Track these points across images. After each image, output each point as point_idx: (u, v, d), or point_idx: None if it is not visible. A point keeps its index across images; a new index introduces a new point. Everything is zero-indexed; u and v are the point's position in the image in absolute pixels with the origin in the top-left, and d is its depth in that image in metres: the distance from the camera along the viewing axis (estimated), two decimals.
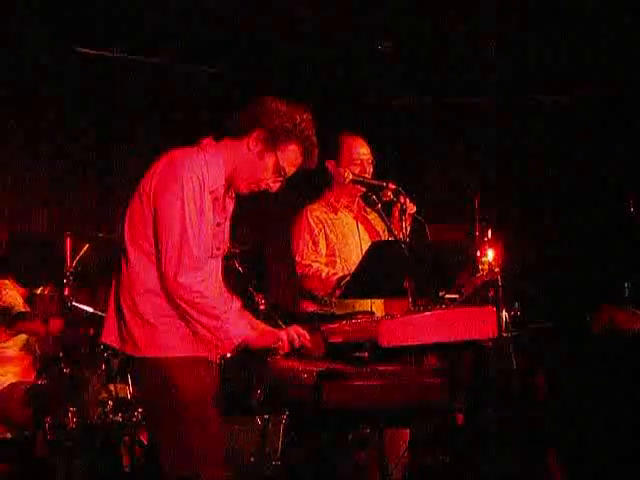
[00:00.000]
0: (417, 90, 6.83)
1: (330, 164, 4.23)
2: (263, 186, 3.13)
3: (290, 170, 3.11)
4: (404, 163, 6.64)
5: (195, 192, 2.94)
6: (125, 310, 2.99)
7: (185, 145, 3.13)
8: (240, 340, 2.97)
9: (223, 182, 3.08)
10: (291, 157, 3.09)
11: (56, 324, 4.59)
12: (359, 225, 4.35)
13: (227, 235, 3.17)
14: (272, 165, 3.08)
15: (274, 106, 3.07)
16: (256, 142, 3.06)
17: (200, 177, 2.96)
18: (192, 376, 2.96)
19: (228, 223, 3.17)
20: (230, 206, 3.18)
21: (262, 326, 3.26)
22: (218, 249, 3.10)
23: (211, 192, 3.00)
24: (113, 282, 3.09)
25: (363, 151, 4.24)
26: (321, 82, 6.37)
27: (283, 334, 3.08)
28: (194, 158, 3.00)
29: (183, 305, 2.92)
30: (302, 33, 5.85)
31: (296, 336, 3.09)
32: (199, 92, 6.36)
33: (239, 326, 3.00)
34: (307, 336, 3.13)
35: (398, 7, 5.52)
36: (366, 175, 4.17)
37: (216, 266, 3.14)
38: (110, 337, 3.06)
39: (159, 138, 6.13)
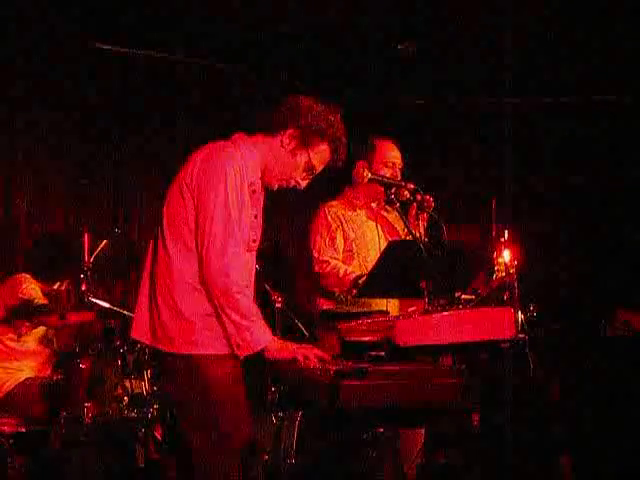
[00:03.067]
0: (431, 89, 6.81)
1: (360, 164, 4.24)
2: (293, 183, 3.18)
3: (319, 168, 3.17)
4: (418, 163, 6.63)
5: (237, 184, 2.97)
6: (162, 305, 2.99)
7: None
8: (261, 347, 2.96)
9: (260, 175, 3.12)
10: (322, 156, 3.14)
11: (74, 317, 4.61)
12: (378, 224, 4.36)
13: (261, 228, 3.19)
14: (304, 163, 3.13)
15: (308, 105, 3.11)
16: (290, 140, 3.10)
17: (241, 170, 3.00)
18: (226, 373, 2.98)
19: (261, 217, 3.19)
20: (262, 200, 3.20)
21: (280, 341, 3.26)
22: (254, 241, 3.12)
23: (249, 185, 3.04)
24: (145, 277, 3.09)
25: (395, 155, 4.30)
26: (335, 81, 6.36)
27: (300, 355, 3.03)
28: (232, 152, 3.03)
29: (220, 296, 2.92)
30: (314, 32, 5.85)
31: (315, 360, 3.04)
32: (214, 89, 6.36)
33: (264, 333, 2.99)
34: (326, 359, 3.10)
35: (412, 6, 5.52)
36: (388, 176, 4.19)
37: (251, 260, 3.16)
38: (141, 333, 3.07)
39: (173, 134, 6.16)
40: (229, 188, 2.95)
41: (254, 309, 2.99)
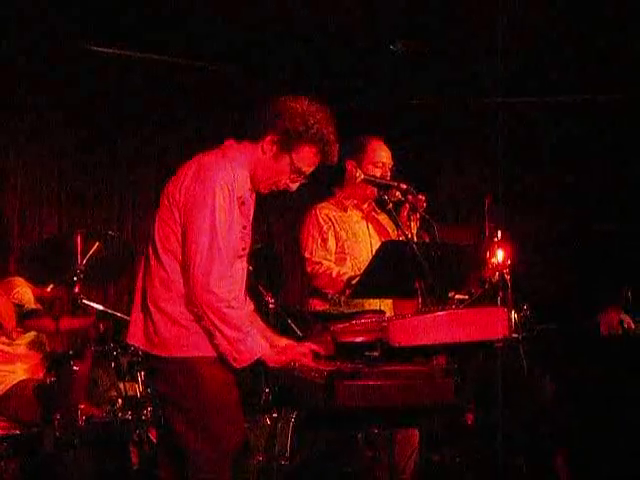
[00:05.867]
0: (427, 90, 6.82)
1: (350, 164, 4.22)
2: (282, 186, 3.16)
3: (308, 169, 3.13)
4: (414, 163, 6.64)
5: (225, 200, 2.96)
6: (154, 311, 3.01)
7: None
8: (257, 356, 2.97)
9: (249, 186, 3.11)
10: (306, 158, 3.10)
11: (66, 322, 4.61)
12: (369, 224, 4.36)
13: (250, 236, 3.19)
14: (288, 166, 3.10)
15: (287, 108, 3.07)
16: (270, 145, 3.08)
17: (230, 184, 2.98)
18: (218, 375, 3.00)
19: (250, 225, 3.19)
20: (252, 207, 3.20)
21: (273, 337, 3.28)
22: (244, 249, 3.12)
23: (238, 197, 3.02)
24: (139, 283, 3.11)
25: (386, 155, 4.27)
26: (333, 83, 6.36)
27: (298, 356, 3.05)
28: (222, 165, 3.01)
29: (208, 313, 2.92)
30: (315, 33, 5.85)
31: (310, 357, 3.06)
32: (213, 91, 6.36)
33: (259, 342, 3.00)
34: (322, 353, 3.13)
35: (410, 6, 5.53)
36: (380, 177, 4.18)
37: (242, 266, 3.16)
38: (136, 338, 3.09)
39: (167, 136, 6.16)
40: (216, 206, 2.93)
41: (245, 319, 3.01)
